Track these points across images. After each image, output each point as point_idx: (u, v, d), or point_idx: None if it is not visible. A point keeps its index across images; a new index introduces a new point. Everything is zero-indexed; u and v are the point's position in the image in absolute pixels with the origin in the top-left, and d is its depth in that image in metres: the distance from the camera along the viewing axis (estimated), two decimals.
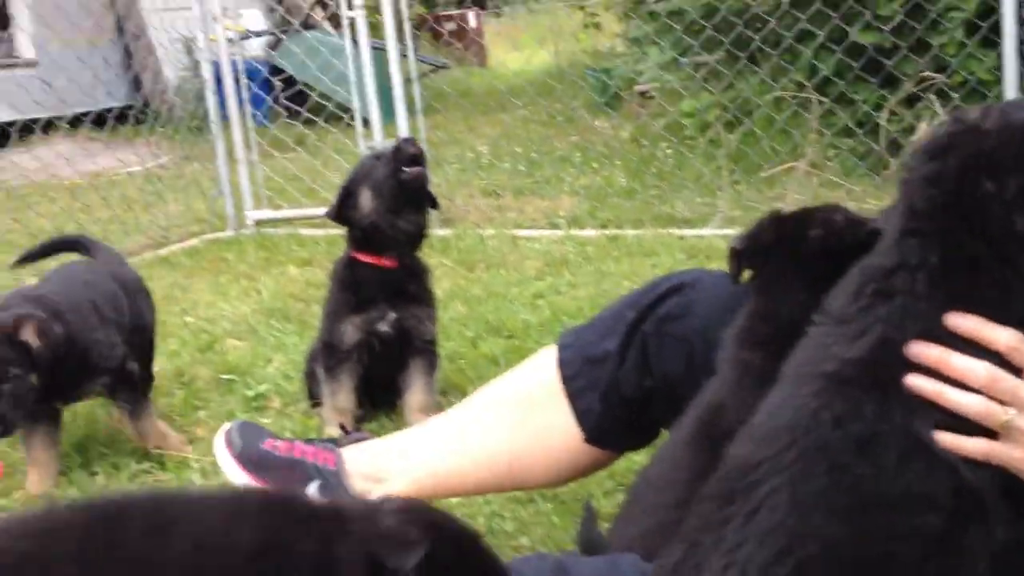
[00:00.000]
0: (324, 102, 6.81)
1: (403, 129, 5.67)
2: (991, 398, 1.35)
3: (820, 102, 5.59)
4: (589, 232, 5.44)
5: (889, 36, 5.53)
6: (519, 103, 8.82)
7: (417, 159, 3.01)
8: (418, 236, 3.11)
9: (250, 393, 3.28)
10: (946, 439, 1.33)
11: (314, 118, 6.65)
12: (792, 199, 5.41)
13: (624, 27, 13.75)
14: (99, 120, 6.75)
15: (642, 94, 9.39)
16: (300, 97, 7.96)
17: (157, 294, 4.45)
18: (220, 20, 5.92)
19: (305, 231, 5.80)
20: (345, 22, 5.75)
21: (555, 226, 5.64)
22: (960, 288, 1.38)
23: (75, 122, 6.00)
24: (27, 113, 6.04)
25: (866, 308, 1.41)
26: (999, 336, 1.36)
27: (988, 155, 1.39)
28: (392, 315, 3.04)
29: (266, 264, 5.04)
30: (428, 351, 3.12)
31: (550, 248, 5.10)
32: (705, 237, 5.11)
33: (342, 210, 3.07)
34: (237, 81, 5.99)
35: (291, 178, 6.55)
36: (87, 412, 3.15)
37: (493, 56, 17.97)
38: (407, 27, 6.14)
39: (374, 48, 9.76)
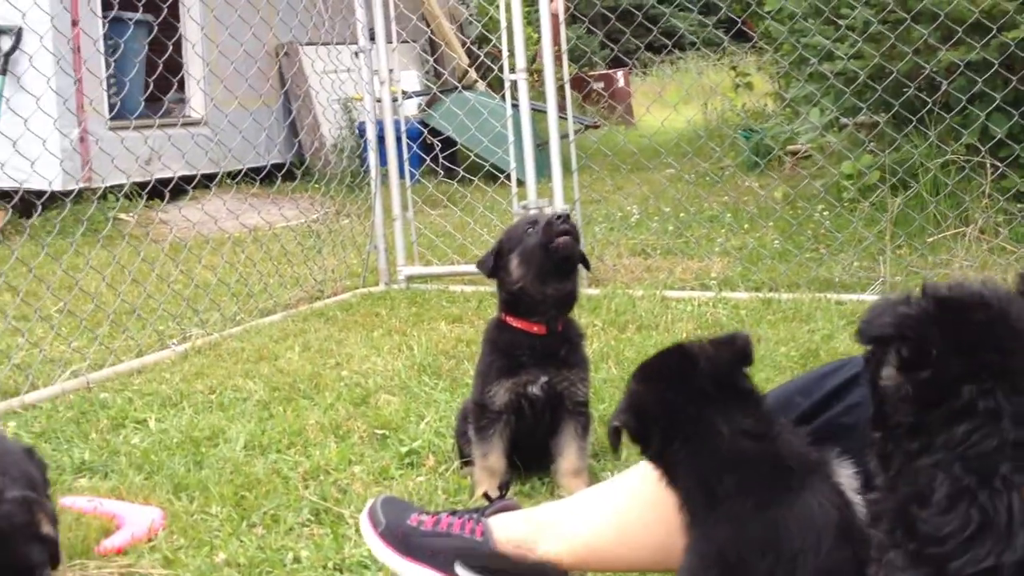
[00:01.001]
0: (481, 161, 6.92)
1: (558, 188, 5.70)
2: None
3: (994, 166, 5.33)
4: (741, 295, 5.31)
5: None
6: (668, 161, 8.76)
7: (568, 233, 2.99)
8: (567, 302, 3.07)
9: (403, 449, 3.29)
10: None
11: (470, 176, 6.74)
12: (959, 265, 5.17)
13: (778, 86, 13.61)
14: (263, 176, 7.04)
15: (794, 154, 9.22)
16: (453, 157, 8.13)
17: (314, 347, 4.60)
18: (387, 82, 6.09)
19: (455, 288, 5.85)
20: (507, 84, 5.82)
21: (706, 287, 5.53)
22: None
23: (240, 177, 6.26)
24: (198, 169, 6.33)
25: None
26: None
27: None
28: (543, 378, 3.01)
29: (417, 320, 5.10)
30: (580, 413, 3.07)
31: (701, 310, 5.00)
32: (865, 303, 4.90)
33: (494, 267, 3.08)
34: (398, 140, 6.14)
35: (442, 235, 6.66)
36: (248, 471, 3.20)
37: (639, 114, 18.01)
38: (566, 89, 6.17)
39: (515, 107, 9.93)
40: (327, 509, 2.90)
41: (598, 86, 18.34)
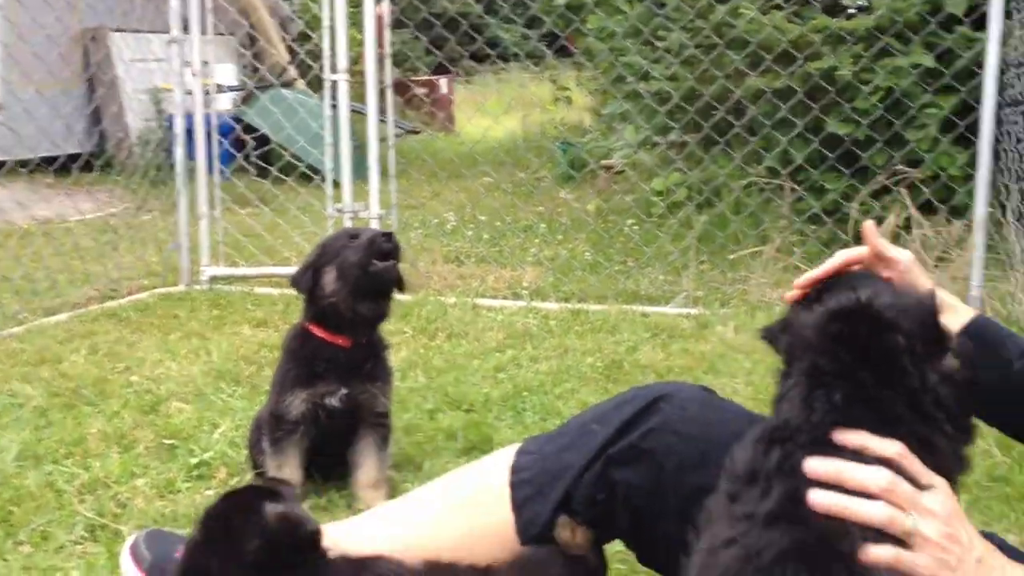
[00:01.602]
0: (296, 162, 6.71)
1: (374, 192, 5.59)
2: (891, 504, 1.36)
3: (792, 189, 5.58)
4: (552, 305, 5.35)
5: (866, 129, 5.56)
6: (486, 169, 8.79)
7: (390, 255, 2.89)
8: (378, 322, 2.98)
9: (193, 460, 3.11)
10: (867, 551, 1.33)
11: (283, 177, 6.53)
12: (757, 282, 5.38)
13: (598, 102, 13.92)
14: (60, 166, 6.62)
15: (609, 169, 9.42)
16: (267, 155, 7.87)
17: (102, 349, 4.33)
18: (199, 74, 5.82)
19: (262, 290, 5.65)
20: (327, 84, 5.66)
21: (518, 297, 5.55)
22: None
23: (35, 166, 5.85)
24: None
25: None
26: (887, 447, 1.39)
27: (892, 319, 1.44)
28: (343, 391, 2.90)
29: (219, 323, 4.88)
30: (381, 424, 2.98)
31: (512, 319, 5.00)
32: (668, 315, 5.04)
33: (303, 280, 2.94)
34: (208, 135, 5.88)
35: (249, 235, 6.42)
36: (18, 483, 2.96)
37: (460, 122, 18.05)
38: (388, 92, 6.07)
39: (355, 111, 9.75)
40: (103, 525, 2.70)
41: (421, 92, 18.27)
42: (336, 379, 2.89)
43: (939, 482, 1.42)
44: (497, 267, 6.29)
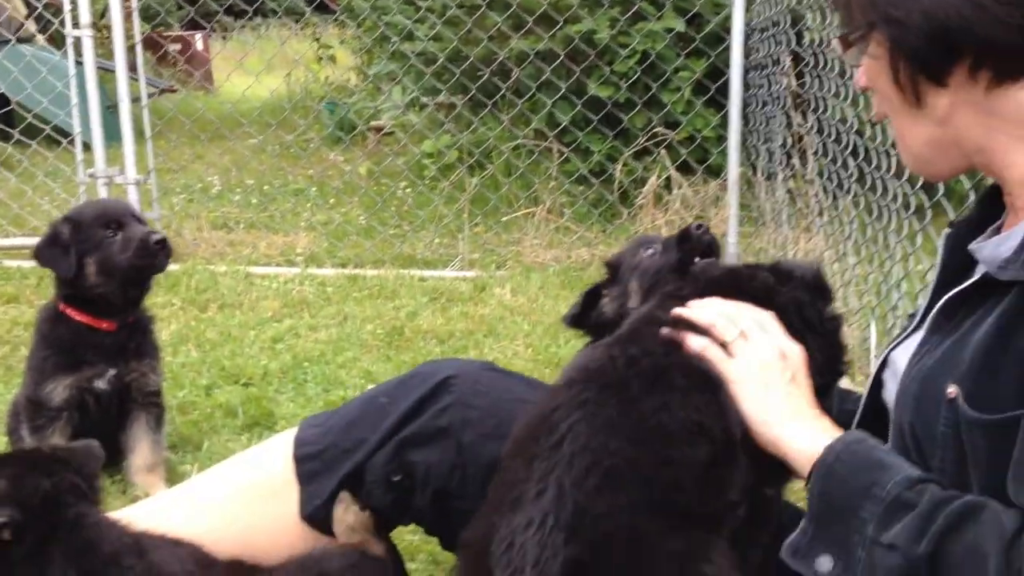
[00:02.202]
0: (40, 125, 6.24)
1: (129, 156, 5.29)
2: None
3: (560, 152, 5.73)
4: (328, 271, 5.28)
5: (625, 91, 5.77)
6: (251, 131, 8.50)
7: (161, 255, 2.76)
8: (141, 300, 2.85)
9: None
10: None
11: (26, 140, 6.07)
12: (530, 244, 5.51)
13: (362, 61, 13.73)
14: None
15: (378, 130, 9.34)
16: (7, 117, 7.26)
17: None
18: None
19: (10, 263, 5.25)
20: (70, 40, 5.28)
21: (292, 263, 5.44)
22: None
23: None
24: None
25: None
26: (703, 315, 1.65)
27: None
28: (111, 372, 2.76)
29: None
30: (153, 404, 2.86)
31: (288, 287, 4.89)
32: (446, 279, 5.08)
33: (62, 261, 2.73)
34: None
35: None
36: None
37: (219, 81, 17.31)
38: (138, 48, 5.74)
39: (103, 68, 9.13)
40: None
41: (174, 48, 17.41)
42: (102, 361, 2.74)
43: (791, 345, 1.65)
44: (268, 233, 6.12)
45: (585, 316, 2.24)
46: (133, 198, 5.33)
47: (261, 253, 5.66)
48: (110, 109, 6.39)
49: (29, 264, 5.18)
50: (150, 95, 8.81)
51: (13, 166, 6.29)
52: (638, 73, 5.74)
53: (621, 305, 2.25)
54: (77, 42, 5.30)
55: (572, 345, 3.97)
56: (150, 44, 14.56)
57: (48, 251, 2.74)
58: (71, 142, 5.53)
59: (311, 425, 2.01)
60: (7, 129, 6.28)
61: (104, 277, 2.72)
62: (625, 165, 5.71)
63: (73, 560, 1.65)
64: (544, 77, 5.87)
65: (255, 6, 7.08)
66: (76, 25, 5.25)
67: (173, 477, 2.84)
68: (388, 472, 1.89)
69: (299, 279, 5.05)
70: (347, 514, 1.93)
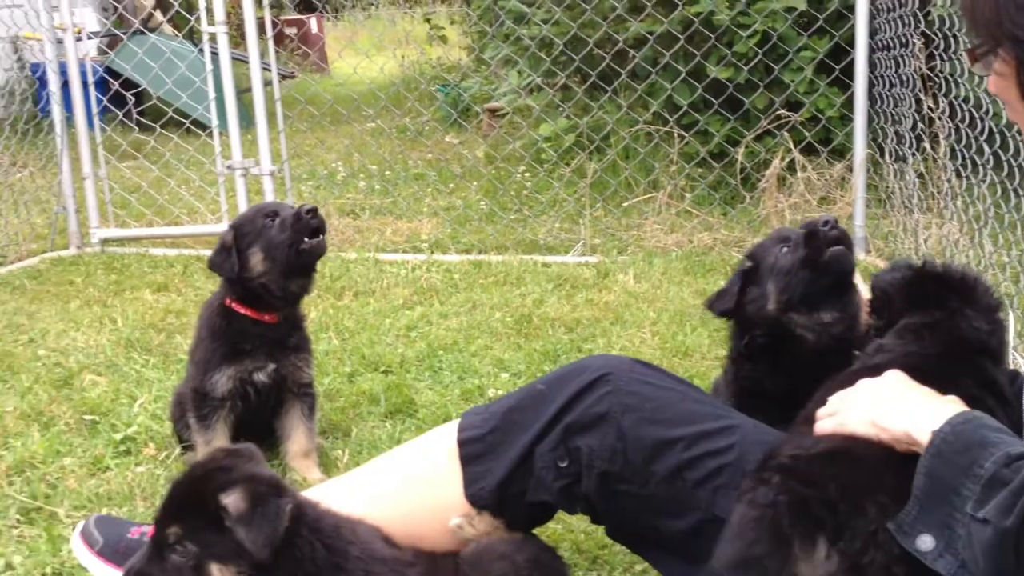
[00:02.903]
0: (180, 119, 6.52)
1: (264, 147, 5.50)
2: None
3: (680, 135, 5.74)
4: (453, 257, 5.42)
5: (745, 72, 5.74)
6: (369, 113, 8.69)
7: (319, 231, 2.89)
8: (304, 295, 3.01)
9: (117, 436, 3.10)
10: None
11: (165, 132, 6.36)
12: (651, 228, 5.55)
13: (473, 41, 13.83)
14: None
15: (493, 112, 9.45)
16: (140, 105, 7.59)
17: (2, 321, 4.21)
18: (68, 19, 5.57)
19: (156, 251, 5.54)
20: (205, 36, 5.52)
21: (418, 250, 5.59)
22: None
23: None
24: None
25: None
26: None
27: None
28: (271, 365, 2.93)
29: (118, 288, 4.79)
30: (307, 394, 3.02)
31: (415, 274, 5.04)
32: (569, 265, 5.17)
33: (225, 264, 2.91)
34: (84, 87, 5.68)
35: (135, 191, 6.27)
36: None
37: (332, 61, 17.64)
38: (268, 36, 5.92)
39: (216, 55, 9.42)
40: (38, 508, 2.69)
41: (291, 31, 17.82)
42: (264, 354, 2.92)
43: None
44: (393, 219, 6.31)
45: (739, 308, 2.33)
46: (268, 188, 5.56)
47: (388, 239, 5.83)
48: (243, 93, 6.61)
49: (174, 252, 5.48)
50: (269, 83, 9.08)
51: (150, 155, 6.59)
52: (759, 54, 5.70)
53: (761, 308, 2.32)
54: (212, 38, 5.49)
55: (699, 333, 4.04)
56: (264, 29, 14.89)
57: (217, 258, 2.92)
58: (210, 134, 5.76)
59: (473, 412, 2.14)
60: (146, 120, 6.56)
61: (269, 263, 2.89)
62: (747, 147, 5.69)
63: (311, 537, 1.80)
64: (664, 61, 5.87)
65: None
66: (211, 21, 5.44)
67: (326, 462, 3.01)
68: (555, 458, 2.01)
69: (426, 265, 5.20)
70: (473, 528, 2.05)
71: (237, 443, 2.92)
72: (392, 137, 9.20)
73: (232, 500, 1.72)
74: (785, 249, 2.33)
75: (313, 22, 19.06)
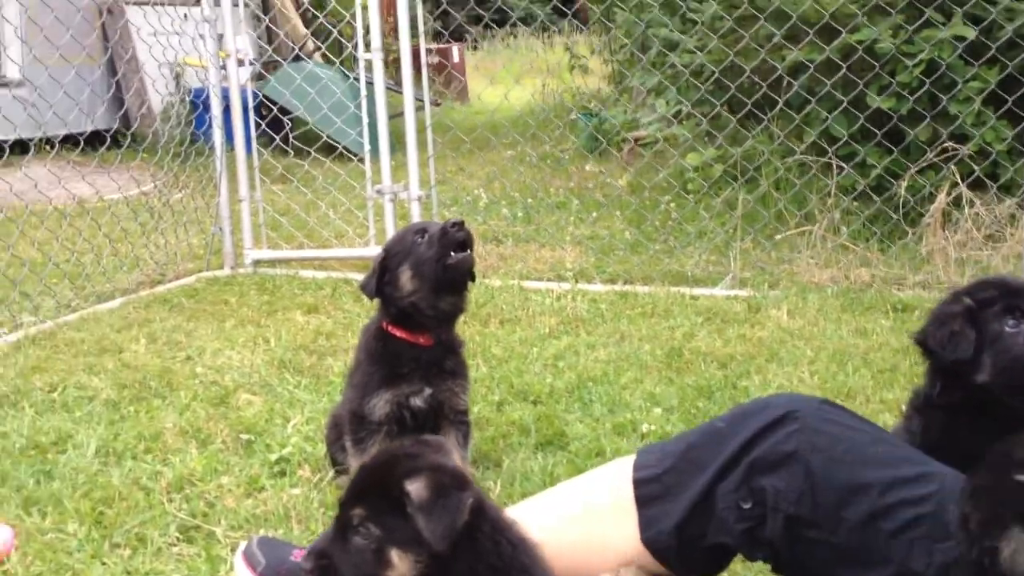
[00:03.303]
0: (333, 142, 6.67)
1: (413, 172, 5.56)
2: None
3: (839, 167, 5.54)
4: (598, 287, 5.35)
5: (909, 102, 5.50)
6: (509, 139, 8.74)
7: (465, 245, 2.85)
8: (457, 315, 2.96)
9: (272, 457, 3.12)
10: None
11: (319, 156, 6.50)
12: (806, 262, 5.36)
13: (611, 69, 13.81)
14: (81, 143, 6.58)
15: (636, 141, 9.36)
16: (293, 130, 7.80)
17: (161, 338, 4.34)
18: (234, 45, 5.76)
19: (306, 273, 5.65)
20: (361, 63, 5.62)
21: (562, 279, 5.54)
22: None
23: (57, 146, 5.78)
24: (8, 135, 5.81)
25: None
26: None
27: None
28: (427, 390, 2.90)
29: (270, 309, 4.88)
30: (461, 422, 2.98)
31: (560, 303, 4.99)
32: (717, 298, 5.03)
33: (379, 285, 2.91)
34: (244, 112, 5.86)
35: (286, 213, 6.42)
36: (104, 481, 2.97)
37: (475, 90, 17.89)
38: (423, 64, 6.02)
39: (357, 81, 9.62)
40: (196, 526, 2.72)
41: (434, 61, 18.15)
42: (420, 379, 2.89)
43: None
44: (536, 247, 6.28)
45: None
46: (415, 212, 5.60)
47: (531, 267, 5.80)
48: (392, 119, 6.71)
49: (323, 274, 5.57)
50: (419, 109, 9.22)
51: (303, 179, 6.74)
52: (924, 84, 5.46)
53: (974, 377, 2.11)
54: (368, 64, 5.59)
55: (861, 374, 3.85)
56: (412, 58, 15.22)
57: (367, 280, 2.92)
58: (361, 160, 5.85)
59: (648, 451, 2.06)
60: (301, 145, 6.72)
61: (418, 281, 2.86)
62: (909, 181, 5.45)
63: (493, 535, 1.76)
64: (824, 90, 5.67)
65: (497, 16, 7.21)
66: (368, 48, 5.55)
67: None
68: (738, 498, 1.91)
69: (571, 295, 5.14)
70: None
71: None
72: (533, 165, 9.23)
73: (416, 487, 1.70)
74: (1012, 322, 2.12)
75: (455, 51, 19.42)
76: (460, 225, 2.85)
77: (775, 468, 1.89)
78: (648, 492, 2.01)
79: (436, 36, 20.42)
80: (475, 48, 25.54)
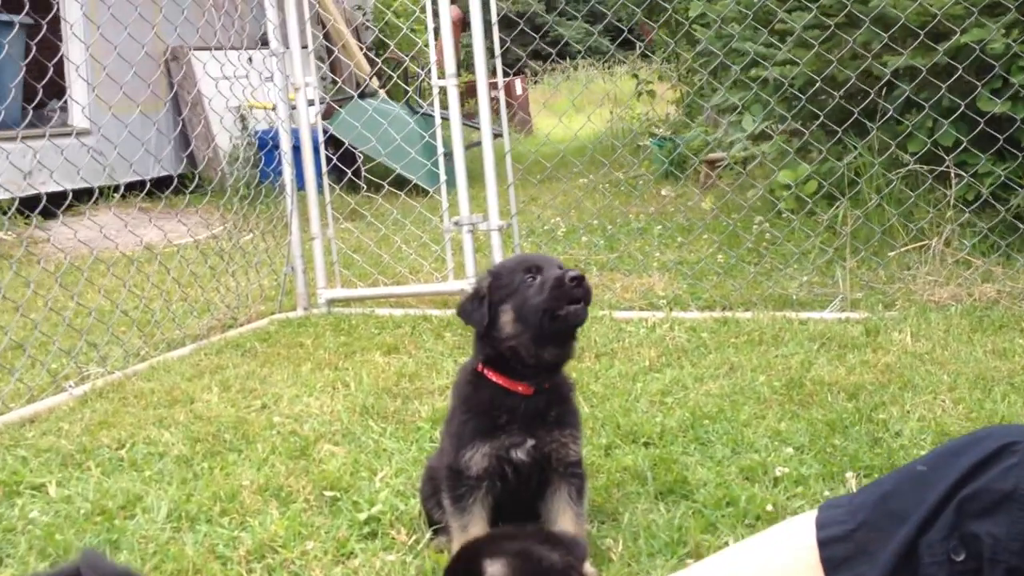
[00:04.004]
0: (407, 175, 6.43)
1: (493, 202, 5.26)
2: None
3: (958, 176, 5.09)
4: (694, 314, 4.97)
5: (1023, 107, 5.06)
6: (578, 170, 8.45)
7: (582, 300, 2.47)
8: (561, 366, 2.59)
9: (361, 516, 2.79)
10: None
11: (375, 186, 6.25)
12: (924, 280, 4.92)
13: (679, 93, 13.50)
14: (149, 190, 6.41)
15: (712, 163, 8.99)
16: (357, 168, 7.59)
17: (234, 386, 4.06)
18: (303, 89, 5.56)
19: (381, 311, 5.36)
20: (435, 90, 5.35)
21: (655, 307, 5.18)
22: None
23: (124, 191, 5.60)
24: (79, 183, 5.64)
25: None
26: None
27: None
28: (530, 442, 2.53)
29: (348, 351, 4.58)
30: (574, 475, 2.60)
31: (657, 333, 4.62)
32: (828, 322, 4.62)
33: (474, 314, 2.56)
34: (316, 151, 5.65)
35: (357, 250, 6.15)
36: (177, 551, 2.66)
37: (538, 122, 17.70)
38: (500, 95, 5.77)
39: (425, 115, 9.42)
40: None
41: (494, 94, 17.97)
42: (521, 429, 2.52)
43: None
44: (622, 275, 5.93)
45: None
46: (496, 243, 5.29)
47: (619, 296, 5.46)
48: (449, 156, 6.48)
49: (399, 312, 5.27)
50: (478, 143, 9.01)
51: (374, 216, 6.49)
52: None
53: None
54: (442, 92, 5.33)
55: (1011, 401, 3.42)
56: (472, 91, 15.11)
57: (468, 304, 2.57)
58: (436, 192, 5.57)
59: (832, 505, 1.71)
60: (373, 181, 6.48)
61: (519, 326, 2.51)
62: None
63: None
64: (938, 95, 5.23)
65: (558, 47, 6.92)
66: (441, 76, 5.31)
67: (596, 552, 2.59)
68: (948, 549, 1.55)
69: (667, 324, 4.77)
70: None
71: (496, 527, 2.59)
72: (606, 192, 8.91)
73: (494, 569, 1.59)
74: None
75: (518, 83, 19.28)
76: (580, 281, 2.46)
77: (991, 512, 1.54)
78: (837, 553, 1.65)
79: (493, 72, 20.31)
80: (535, 82, 25.45)
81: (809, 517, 1.71)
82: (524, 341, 2.51)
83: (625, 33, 6.96)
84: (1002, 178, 5.10)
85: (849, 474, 2.90)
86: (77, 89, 8.73)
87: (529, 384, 2.55)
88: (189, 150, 9.15)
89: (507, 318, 2.52)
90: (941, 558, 1.55)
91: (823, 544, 1.65)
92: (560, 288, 2.46)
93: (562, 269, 2.53)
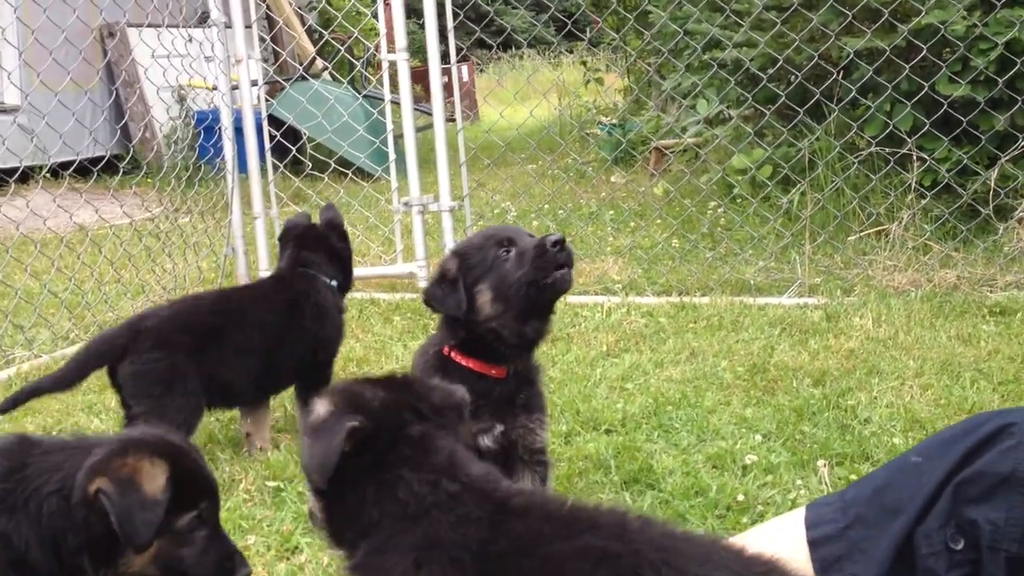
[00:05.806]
0: (332, 152, 6.20)
1: (444, 183, 5.08)
2: None
3: (921, 159, 5.01)
4: (651, 299, 4.85)
5: (982, 90, 4.98)
6: (525, 156, 8.29)
7: (566, 265, 2.33)
8: (539, 342, 2.44)
9: (305, 507, 2.59)
10: None
11: (318, 168, 6.03)
12: (883, 266, 4.84)
13: (625, 84, 13.40)
14: (82, 169, 6.11)
15: (658, 150, 8.89)
16: (302, 149, 7.35)
17: None
18: (246, 67, 5.30)
19: None
20: (385, 65, 5.17)
21: (610, 292, 5.04)
22: None
23: (57, 171, 5.32)
24: (6, 162, 5.33)
25: None
26: None
27: None
28: (498, 428, 2.37)
29: None
30: (539, 462, 2.46)
31: (615, 319, 4.48)
32: (787, 307, 4.52)
33: (449, 300, 2.38)
34: (258, 131, 5.41)
35: None
36: None
37: (485, 110, 17.52)
38: (454, 76, 5.60)
39: (374, 98, 9.20)
40: None
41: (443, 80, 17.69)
42: (489, 415, 2.36)
43: None
44: (576, 259, 5.76)
45: None
46: (447, 225, 5.11)
47: (576, 281, 5.30)
48: (398, 139, 6.29)
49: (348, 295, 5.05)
50: (427, 126, 8.80)
51: (320, 196, 6.26)
52: (1011, 69, 4.92)
53: None
54: (392, 67, 5.14)
55: (980, 387, 3.34)
56: (419, 77, 14.89)
57: (437, 290, 2.38)
58: (385, 172, 5.38)
59: (822, 503, 1.58)
60: (318, 161, 6.27)
61: (500, 305, 2.34)
62: (1001, 172, 4.92)
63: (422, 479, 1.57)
64: (892, 79, 5.15)
65: (503, 36, 6.77)
66: (391, 50, 5.12)
67: None
68: (946, 538, 1.43)
69: (624, 309, 4.63)
70: None
71: None
72: (556, 178, 8.76)
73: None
74: None
75: (464, 70, 19.05)
76: (562, 244, 2.31)
77: (989, 495, 1.43)
78: (829, 553, 1.52)
79: (443, 58, 20.04)
80: (481, 71, 25.21)
81: (796, 516, 1.58)
82: (507, 320, 2.35)
83: (569, 25, 6.80)
84: (964, 162, 5.02)
85: (821, 462, 2.79)
86: (7, 60, 8.34)
87: (503, 367, 2.38)
88: (123, 122, 8.79)
89: (485, 298, 2.35)
90: (939, 548, 1.44)
91: (814, 544, 1.52)
92: (543, 256, 2.31)
93: (535, 237, 2.38)
